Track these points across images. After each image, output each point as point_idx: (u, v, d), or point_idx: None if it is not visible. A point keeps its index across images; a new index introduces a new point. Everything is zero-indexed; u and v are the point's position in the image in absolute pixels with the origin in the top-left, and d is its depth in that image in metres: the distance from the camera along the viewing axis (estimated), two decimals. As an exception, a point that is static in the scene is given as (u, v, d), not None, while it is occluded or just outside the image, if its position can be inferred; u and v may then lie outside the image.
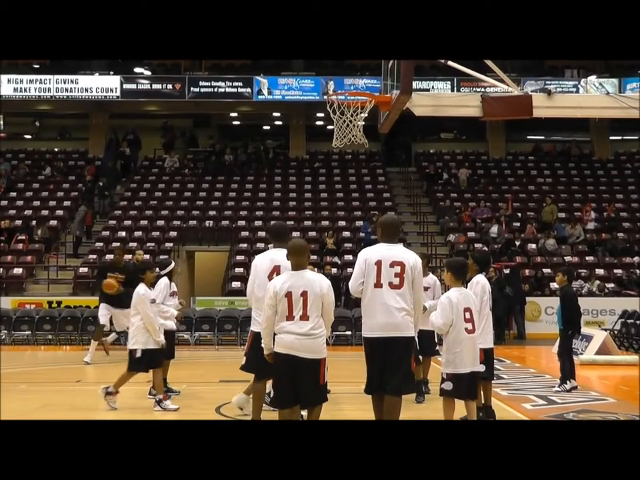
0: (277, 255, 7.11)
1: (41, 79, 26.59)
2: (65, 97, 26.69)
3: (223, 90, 26.70)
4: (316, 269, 10.34)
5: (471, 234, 24.08)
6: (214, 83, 26.79)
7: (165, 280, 10.11)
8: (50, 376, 12.70)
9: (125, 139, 29.14)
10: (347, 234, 24.11)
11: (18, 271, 22.07)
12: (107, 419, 8.15)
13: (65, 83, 26.49)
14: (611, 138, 30.26)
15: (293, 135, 30.52)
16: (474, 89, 22.49)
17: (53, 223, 24.95)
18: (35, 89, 26.54)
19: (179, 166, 28.68)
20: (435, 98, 13.34)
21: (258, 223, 24.90)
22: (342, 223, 24.97)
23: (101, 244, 23.16)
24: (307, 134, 30.45)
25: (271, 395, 6.76)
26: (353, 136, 11.84)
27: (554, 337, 12.50)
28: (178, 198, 26.69)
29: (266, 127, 33.08)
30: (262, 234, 24.08)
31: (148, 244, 23.58)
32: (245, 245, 23.46)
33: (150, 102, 28.28)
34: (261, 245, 23.10)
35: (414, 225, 25.31)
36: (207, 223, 24.91)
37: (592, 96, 14.80)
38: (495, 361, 8.56)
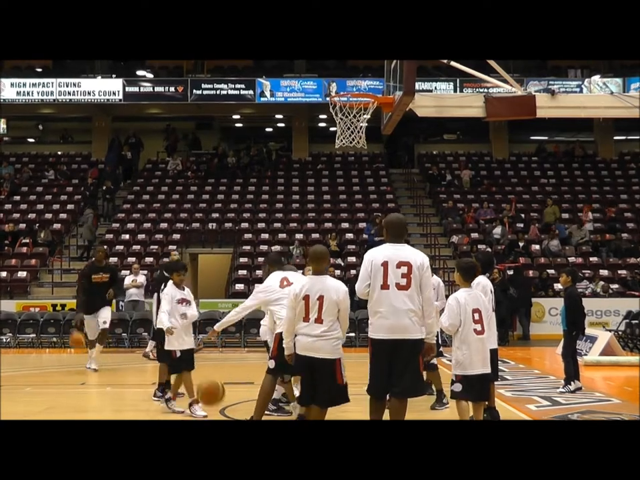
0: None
1: (43, 83, 26.61)
2: (67, 100, 26.72)
3: (225, 92, 26.69)
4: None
5: (475, 235, 24.05)
6: (216, 85, 26.79)
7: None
8: (54, 379, 12.70)
9: (126, 143, 29.14)
10: (350, 235, 24.10)
11: (22, 274, 22.12)
12: (111, 419, 8.12)
13: (67, 86, 26.52)
14: (615, 138, 30.17)
15: (295, 136, 30.52)
16: (477, 90, 22.47)
17: (57, 226, 24.99)
18: (38, 93, 26.56)
19: (182, 168, 28.69)
20: (438, 99, 13.31)
21: (261, 225, 24.92)
22: (345, 225, 24.96)
23: (105, 247, 23.16)
24: (309, 136, 30.44)
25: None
26: (356, 137, 11.83)
27: (558, 338, 12.48)
28: (181, 200, 26.71)
29: (268, 129, 33.10)
30: (265, 236, 24.11)
31: (151, 246, 23.62)
32: (248, 247, 23.46)
33: (152, 105, 28.28)
34: (264, 247, 23.14)
35: (417, 226, 25.28)
36: (210, 225, 24.92)
37: (596, 96, 14.78)
38: (498, 362, 8.53)
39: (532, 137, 30.86)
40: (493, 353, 7.74)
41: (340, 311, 6.44)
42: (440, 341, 9.43)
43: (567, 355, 10.54)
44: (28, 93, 26.56)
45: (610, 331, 16.46)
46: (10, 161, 29.03)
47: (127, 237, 24.28)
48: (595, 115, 14.92)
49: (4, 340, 18.56)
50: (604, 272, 21.77)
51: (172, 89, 26.76)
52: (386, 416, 6.35)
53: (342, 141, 11.91)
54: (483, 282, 7.74)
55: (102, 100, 26.76)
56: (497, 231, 23.68)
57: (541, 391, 10.49)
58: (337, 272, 20.41)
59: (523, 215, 25.15)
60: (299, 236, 23.93)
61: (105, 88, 26.61)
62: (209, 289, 24.23)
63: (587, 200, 26.29)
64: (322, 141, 29.46)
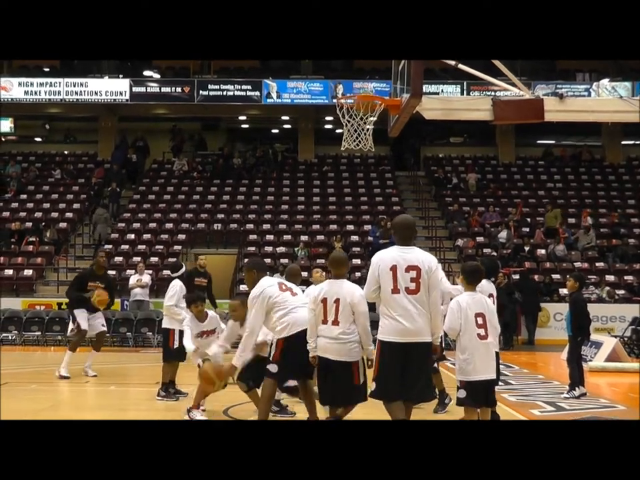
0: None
1: (51, 82, 26.66)
2: (74, 100, 26.77)
3: (231, 93, 26.70)
4: (324, 272, 10.28)
5: (480, 239, 24.01)
6: (223, 86, 26.80)
7: (179, 282, 10.14)
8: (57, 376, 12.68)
9: (132, 146, 29.10)
10: (355, 238, 24.07)
11: (28, 272, 22.19)
12: (115, 418, 8.11)
13: (74, 86, 26.57)
14: (622, 142, 30.08)
15: (301, 138, 30.51)
16: (484, 93, 22.42)
17: (63, 225, 25.03)
18: (45, 92, 26.62)
19: (188, 169, 28.70)
20: (445, 101, 13.29)
21: (266, 226, 24.91)
22: (350, 227, 24.94)
23: (110, 246, 23.20)
24: (315, 137, 30.43)
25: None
26: (362, 140, 11.81)
27: (563, 343, 12.44)
28: (186, 201, 26.73)
29: (274, 130, 33.10)
30: (270, 237, 24.10)
31: (156, 247, 23.64)
32: (253, 248, 23.46)
33: (159, 105, 28.30)
34: (269, 249, 23.14)
35: (422, 229, 25.20)
36: (215, 225, 24.92)
37: (604, 99, 14.68)
38: (501, 365, 8.49)
39: (539, 141, 30.79)
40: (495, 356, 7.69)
41: (355, 314, 6.58)
42: (443, 345, 9.39)
43: (572, 360, 10.51)
44: (35, 93, 26.62)
45: (615, 337, 16.38)
46: (17, 160, 29.08)
47: (133, 236, 24.30)
48: (603, 119, 14.84)
49: (10, 337, 18.63)
50: (610, 277, 21.71)
51: (178, 89, 26.78)
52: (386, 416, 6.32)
53: (349, 143, 11.90)
54: (485, 286, 7.68)
55: (109, 100, 26.81)
56: (503, 234, 23.62)
57: (545, 396, 10.46)
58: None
59: (528, 219, 25.09)
60: (304, 237, 23.92)
61: (111, 88, 26.66)
62: (214, 290, 24.07)
63: (594, 205, 26.24)
64: (328, 142, 29.43)
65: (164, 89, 26.92)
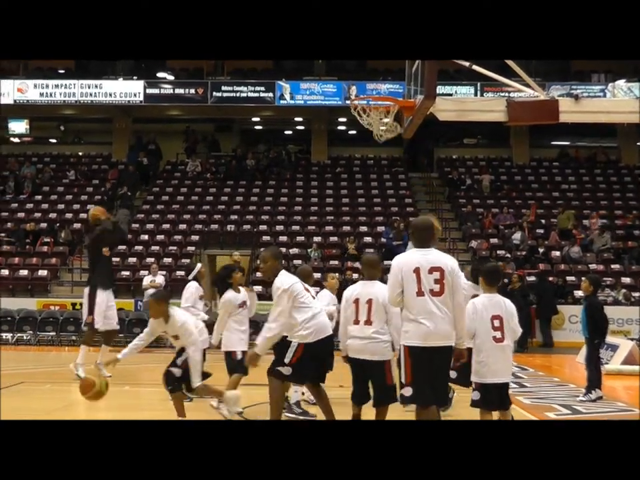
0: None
1: (65, 84, 26.77)
2: (89, 101, 26.87)
3: (245, 94, 26.72)
4: (337, 275, 10.30)
5: (494, 240, 23.92)
6: (236, 88, 26.82)
7: (194, 284, 10.17)
8: (74, 376, 12.71)
9: (143, 149, 29.09)
10: (368, 239, 24.03)
11: (43, 272, 22.28)
12: (129, 418, 8.12)
13: (89, 87, 26.68)
14: (638, 143, 29.86)
15: (314, 139, 30.49)
16: (498, 94, 22.34)
17: (77, 225, 25.09)
18: (60, 94, 26.73)
19: (201, 170, 28.74)
20: (459, 103, 13.27)
21: (279, 228, 24.91)
22: (363, 228, 24.90)
23: (124, 247, 23.24)
24: (328, 139, 30.39)
25: None
26: (380, 133, 11.84)
27: (578, 346, 12.36)
28: (200, 202, 26.77)
29: (288, 132, 33.10)
30: (283, 238, 24.08)
31: (170, 247, 23.67)
32: (267, 249, 23.39)
33: (172, 106, 28.34)
34: (282, 249, 23.09)
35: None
36: (228, 227, 24.93)
37: (620, 100, 14.60)
38: (515, 368, 8.45)
39: (553, 142, 30.63)
40: None
41: (389, 314, 6.76)
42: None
43: (590, 362, 10.42)
44: (50, 94, 26.74)
45: (632, 339, 16.28)
46: (32, 161, 29.22)
47: (146, 237, 24.35)
48: (619, 120, 14.77)
49: (24, 337, 18.73)
50: (626, 279, 21.55)
51: (192, 90, 26.83)
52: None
53: (377, 130, 11.91)
54: (468, 289, 7.55)
55: (123, 101, 26.89)
56: (517, 236, 23.53)
57: (560, 399, 10.40)
58: (355, 275, 20.34)
59: (543, 221, 24.97)
60: (317, 239, 23.90)
61: (126, 89, 26.74)
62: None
63: (609, 206, 26.08)
64: (341, 144, 29.44)
65: (177, 91, 26.98)
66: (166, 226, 25.11)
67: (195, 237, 24.35)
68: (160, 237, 24.35)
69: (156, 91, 26.87)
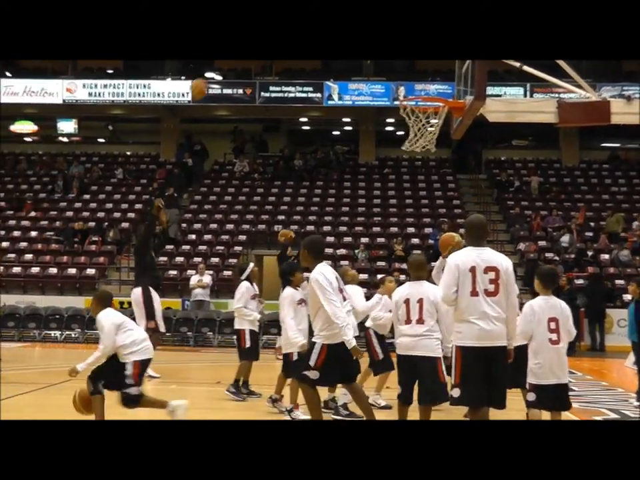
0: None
1: (114, 84, 27.08)
2: (137, 101, 27.16)
3: (293, 95, 26.77)
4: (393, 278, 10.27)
5: (542, 243, 23.66)
6: (284, 88, 26.88)
7: (245, 284, 10.26)
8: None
9: (189, 150, 29.24)
10: (415, 241, 23.94)
11: (91, 271, 22.59)
12: (155, 418, 8.19)
13: (137, 87, 26.95)
14: (690, 146, 29.38)
15: (362, 140, 30.44)
16: (547, 95, 22.08)
17: (125, 225, 25.39)
18: (109, 94, 27.05)
19: (249, 170, 28.87)
20: (509, 104, 13.12)
21: (327, 228, 24.89)
22: (411, 230, 24.81)
23: (171, 246, 23.44)
24: (376, 139, 30.33)
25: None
26: (426, 143, 11.73)
27: (626, 350, 12.14)
28: (247, 202, 26.89)
29: (335, 132, 33.12)
30: (330, 239, 24.06)
31: (217, 247, 23.83)
32: (313, 250, 23.40)
33: (220, 107, 28.52)
34: (329, 250, 23.08)
35: (483, 232, 24.93)
36: (275, 227, 24.97)
37: (673, 102, 14.32)
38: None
39: (603, 144, 30.20)
40: None
41: (439, 313, 6.91)
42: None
43: (640, 367, 10.24)
44: (99, 94, 27.06)
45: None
46: (80, 160, 29.62)
47: (194, 237, 24.55)
48: (672, 121, 14.48)
49: (73, 335, 19.00)
50: (676, 283, 21.13)
51: (240, 91, 26.95)
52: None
53: (412, 144, 11.82)
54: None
55: (171, 101, 27.12)
56: (565, 239, 23.24)
57: (609, 404, 10.25)
58: (402, 277, 20.25)
59: (592, 224, 24.63)
60: (364, 239, 23.86)
61: (174, 90, 26.95)
62: (274, 291, 24.05)
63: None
64: (389, 144, 29.31)
65: (225, 91, 27.12)
66: (213, 226, 25.28)
67: (242, 237, 24.48)
68: (207, 237, 24.53)
69: (204, 91, 27.01)
